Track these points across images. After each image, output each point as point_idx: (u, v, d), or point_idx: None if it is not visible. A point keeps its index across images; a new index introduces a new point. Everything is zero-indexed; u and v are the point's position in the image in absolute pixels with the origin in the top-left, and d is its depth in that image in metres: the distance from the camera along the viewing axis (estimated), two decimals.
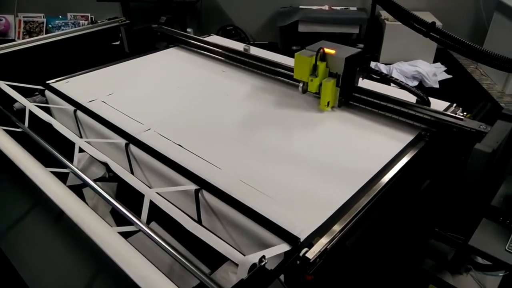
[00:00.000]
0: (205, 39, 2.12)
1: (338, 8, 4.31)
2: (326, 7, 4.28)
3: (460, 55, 1.21)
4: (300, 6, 4.28)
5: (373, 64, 4.03)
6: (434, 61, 4.09)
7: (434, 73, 3.78)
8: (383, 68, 3.95)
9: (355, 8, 4.33)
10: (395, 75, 3.75)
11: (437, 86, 3.71)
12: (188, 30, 2.18)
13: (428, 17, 3.88)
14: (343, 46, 1.46)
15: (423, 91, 1.46)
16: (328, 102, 1.48)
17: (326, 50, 1.42)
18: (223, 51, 1.93)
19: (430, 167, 1.37)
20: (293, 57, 1.57)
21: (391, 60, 4.05)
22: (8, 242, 1.14)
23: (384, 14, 4.17)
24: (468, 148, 1.10)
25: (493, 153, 1.06)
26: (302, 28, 3.99)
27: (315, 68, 1.44)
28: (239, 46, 1.99)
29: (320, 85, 1.46)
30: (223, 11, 4.57)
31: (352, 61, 1.42)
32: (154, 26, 2.21)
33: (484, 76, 3.97)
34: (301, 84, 1.49)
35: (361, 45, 4.16)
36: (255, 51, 1.93)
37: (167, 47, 2.17)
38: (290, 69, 1.64)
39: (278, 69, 1.72)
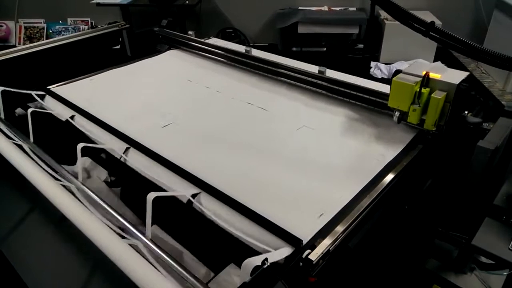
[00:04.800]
0: (205, 41, 2.12)
1: (337, 8, 4.31)
2: (325, 8, 4.29)
3: (460, 54, 1.20)
4: (299, 8, 4.28)
5: (373, 64, 4.03)
6: (434, 60, 4.08)
7: None
8: (384, 68, 3.94)
9: (354, 9, 4.34)
10: None
11: None
12: (190, 32, 2.17)
13: (428, 16, 3.87)
14: (446, 68, 1.27)
15: None
16: (436, 121, 1.23)
17: (431, 75, 1.23)
18: (225, 52, 1.93)
19: (432, 167, 1.37)
20: (293, 58, 1.54)
21: (391, 60, 4.04)
22: (10, 246, 1.14)
23: (383, 14, 4.17)
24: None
25: (496, 150, 1.06)
26: (301, 29, 3.99)
27: (417, 96, 1.22)
28: (239, 48, 1.99)
29: (427, 101, 1.22)
30: (223, 13, 4.58)
31: (463, 88, 1.23)
32: (155, 29, 2.21)
33: (485, 75, 3.96)
34: (397, 114, 1.29)
35: (361, 45, 4.17)
36: (255, 53, 1.93)
37: (168, 49, 2.17)
38: (292, 70, 1.65)
39: (279, 70, 1.71)
